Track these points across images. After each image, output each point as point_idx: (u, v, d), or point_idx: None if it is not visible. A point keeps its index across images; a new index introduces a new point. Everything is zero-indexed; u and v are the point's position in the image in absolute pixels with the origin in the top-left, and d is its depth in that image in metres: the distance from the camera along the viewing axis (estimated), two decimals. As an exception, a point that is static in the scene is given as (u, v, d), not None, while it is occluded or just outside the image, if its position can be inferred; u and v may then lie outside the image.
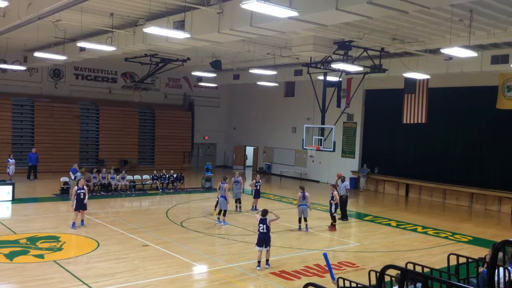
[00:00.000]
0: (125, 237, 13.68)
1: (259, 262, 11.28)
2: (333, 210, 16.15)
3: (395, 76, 21.21)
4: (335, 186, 16.73)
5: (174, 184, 23.60)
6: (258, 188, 18.86)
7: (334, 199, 16.10)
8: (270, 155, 33.63)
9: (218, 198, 16.33)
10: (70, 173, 20.06)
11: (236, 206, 18.39)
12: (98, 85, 30.95)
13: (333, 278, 7.71)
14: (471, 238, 15.83)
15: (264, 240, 11.24)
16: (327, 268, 11.29)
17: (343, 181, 17.98)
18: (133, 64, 26.17)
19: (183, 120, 33.62)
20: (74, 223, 14.40)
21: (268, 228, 11.29)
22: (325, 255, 8.03)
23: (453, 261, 8.38)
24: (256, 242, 11.36)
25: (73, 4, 12.85)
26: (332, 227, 16.04)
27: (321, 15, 11.00)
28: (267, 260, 11.43)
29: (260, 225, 11.32)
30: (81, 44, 17.05)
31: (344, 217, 17.80)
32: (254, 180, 19.00)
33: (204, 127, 35.18)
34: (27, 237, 13.09)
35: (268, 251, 11.38)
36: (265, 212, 11.45)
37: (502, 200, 21.65)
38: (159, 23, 14.50)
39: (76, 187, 14.59)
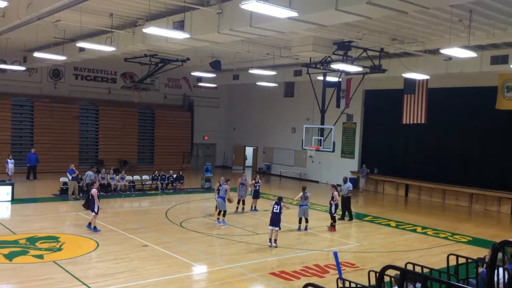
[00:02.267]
0: (125, 238, 13.68)
1: (270, 239, 13.28)
2: (333, 211, 16.16)
3: (395, 77, 21.20)
4: (335, 187, 16.74)
5: (174, 184, 23.59)
6: (257, 188, 18.87)
7: (334, 199, 16.12)
8: (269, 155, 33.63)
9: (216, 199, 16.34)
10: (68, 174, 20.03)
11: (237, 207, 18.38)
12: (97, 85, 30.94)
13: (340, 275, 7.89)
14: (471, 239, 15.84)
15: (275, 220, 13.19)
16: (325, 268, 11.43)
17: (345, 182, 17.97)
18: (132, 64, 26.16)
19: (182, 120, 33.61)
20: (95, 227, 14.16)
21: (281, 209, 13.35)
22: (335, 254, 8.26)
23: (452, 262, 8.37)
24: (269, 222, 13.34)
25: (73, 4, 12.86)
26: (332, 227, 16.05)
27: (321, 15, 11.00)
28: (275, 240, 13.26)
29: (275, 206, 13.37)
30: (81, 44, 17.02)
31: (349, 217, 17.84)
32: (254, 180, 19.02)
33: (204, 127, 35.15)
34: (26, 238, 13.08)
35: (277, 232, 13.24)
36: (280, 198, 13.68)
37: (502, 200, 21.65)
38: (159, 23, 14.48)
39: (95, 189, 14.15)
